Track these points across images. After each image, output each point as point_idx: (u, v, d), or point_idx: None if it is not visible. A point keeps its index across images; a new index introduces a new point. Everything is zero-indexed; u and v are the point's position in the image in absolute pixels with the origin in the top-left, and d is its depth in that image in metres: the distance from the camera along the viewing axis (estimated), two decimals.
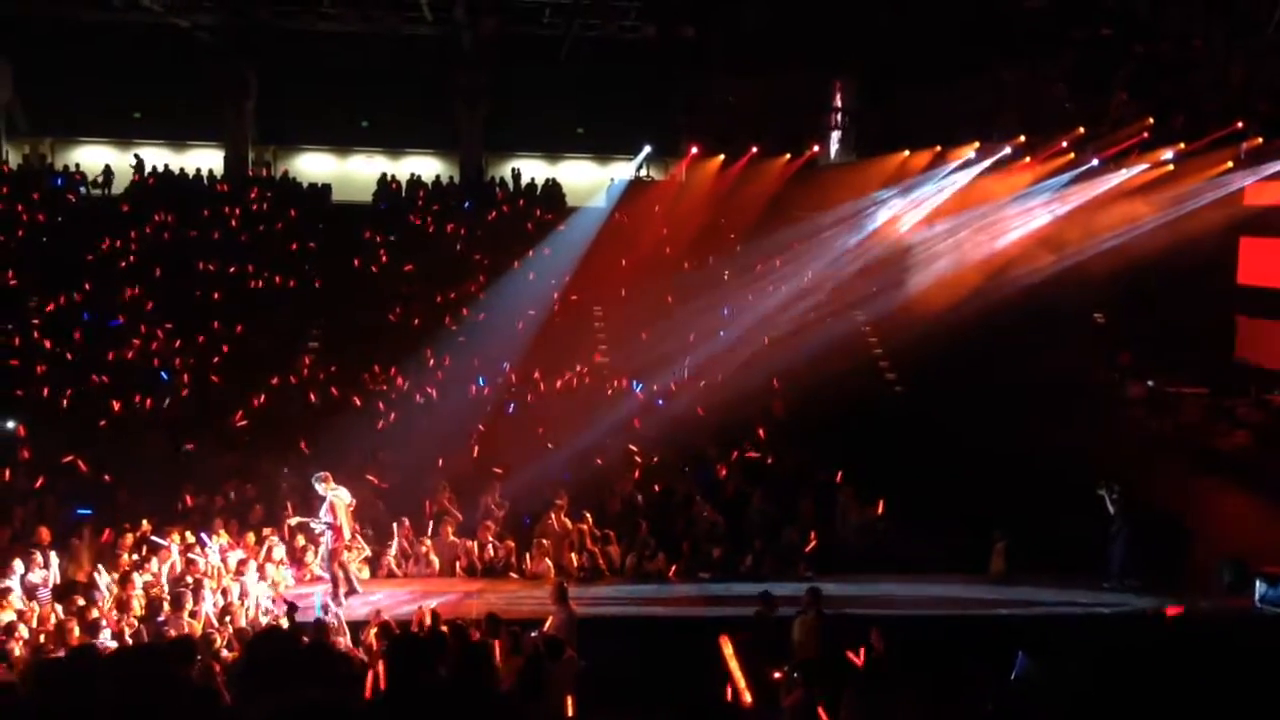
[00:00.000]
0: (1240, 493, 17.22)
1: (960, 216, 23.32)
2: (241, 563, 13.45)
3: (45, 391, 18.60)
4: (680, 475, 17.20)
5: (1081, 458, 16.46)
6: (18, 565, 12.72)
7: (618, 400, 19.53)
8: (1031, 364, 19.95)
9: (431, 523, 15.49)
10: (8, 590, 11.95)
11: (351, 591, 13.58)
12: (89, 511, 14.99)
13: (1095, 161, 22.37)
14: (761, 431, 18.51)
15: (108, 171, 28.21)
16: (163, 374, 19.46)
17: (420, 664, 7.50)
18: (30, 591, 12.42)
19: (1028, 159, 22.96)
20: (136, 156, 28.72)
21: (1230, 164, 21.27)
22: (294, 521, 14.46)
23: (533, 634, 10.60)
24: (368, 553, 14.78)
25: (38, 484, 15.80)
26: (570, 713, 7.54)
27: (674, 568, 15.16)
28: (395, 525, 15.26)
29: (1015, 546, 15.21)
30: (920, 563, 15.43)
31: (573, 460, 17.28)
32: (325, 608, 12.71)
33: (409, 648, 7.96)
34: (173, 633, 11.01)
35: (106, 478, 16.12)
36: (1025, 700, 9.54)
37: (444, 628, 10.49)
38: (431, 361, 19.95)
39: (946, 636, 12.81)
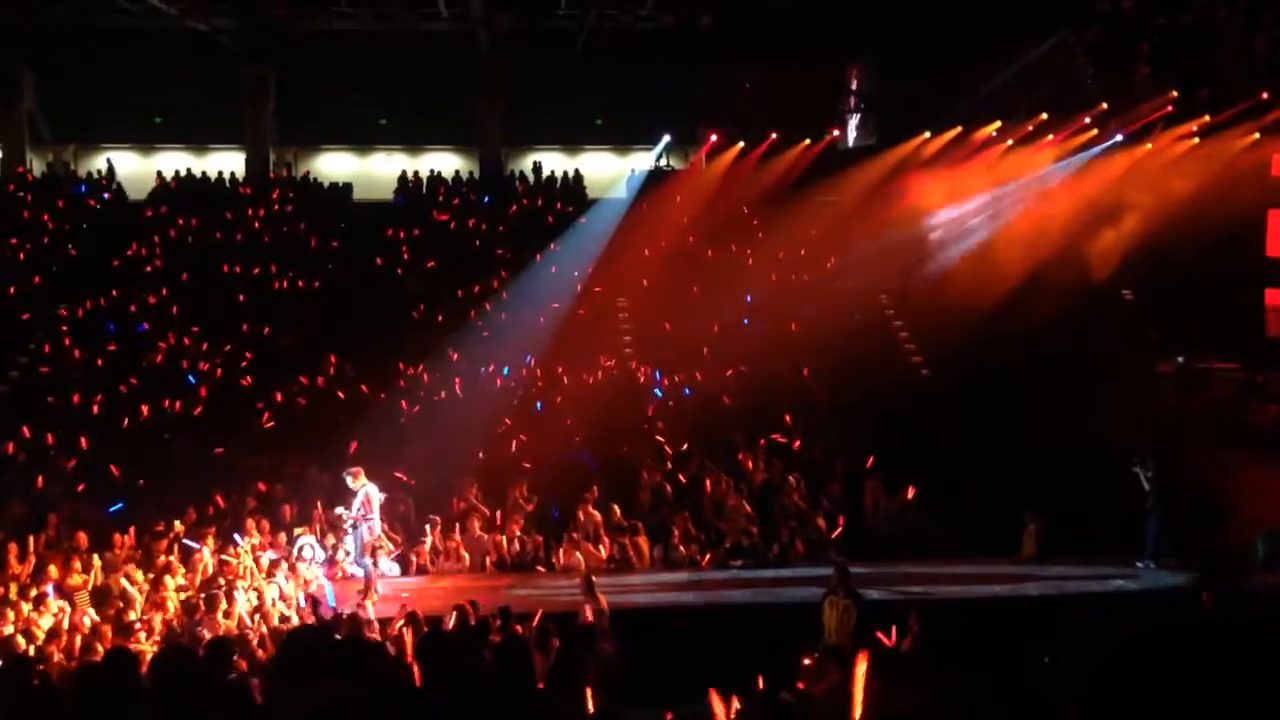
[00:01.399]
0: (1274, 467, 17.02)
1: (986, 195, 23.14)
2: (274, 563, 13.56)
3: (75, 398, 18.77)
4: (708, 463, 17.18)
5: (1112, 436, 16.32)
6: (53, 570, 12.88)
7: (644, 390, 19.53)
8: (1060, 343, 19.79)
9: (459, 519, 15.55)
10: (44, 595, 12.09)
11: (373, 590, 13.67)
12: (121, 506, 15.18)
13: (1119, 137, 22.15)
14: (789, 418, 18.46)
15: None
16: (190, 377, 19.61)
17: (452, 658, 7.50)
18: (69, 596, 12.56)
19: (1050, 136, 22.76)
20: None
21: (1257, 135, 21.01)
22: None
23: (554, 641, 10.50)
24: (393, 549, 14.82)
25: (76, 489, 15.99)
26: (590, 706, 7.50)
27: (707, 557, 15.16)
28: (427, 523, 15.34)
29: (1047, 528, 15.12)
30: (951, 547, 15.37)
31: (600, 452, 17.31)
32: (359, 604, 12.81)
33: (440, 642, 7.98)
34: (207, 634, 11.09)
35: (140, 482, 16.29)
36: (1054, 679, 9.46)
37: (473, 622, 10.53)
38: (456, 357, 19.99)
39: (979, 619, 12.74)
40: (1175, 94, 21.52)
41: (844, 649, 10.75)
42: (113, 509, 15.27)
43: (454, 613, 11.35)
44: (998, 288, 20.22)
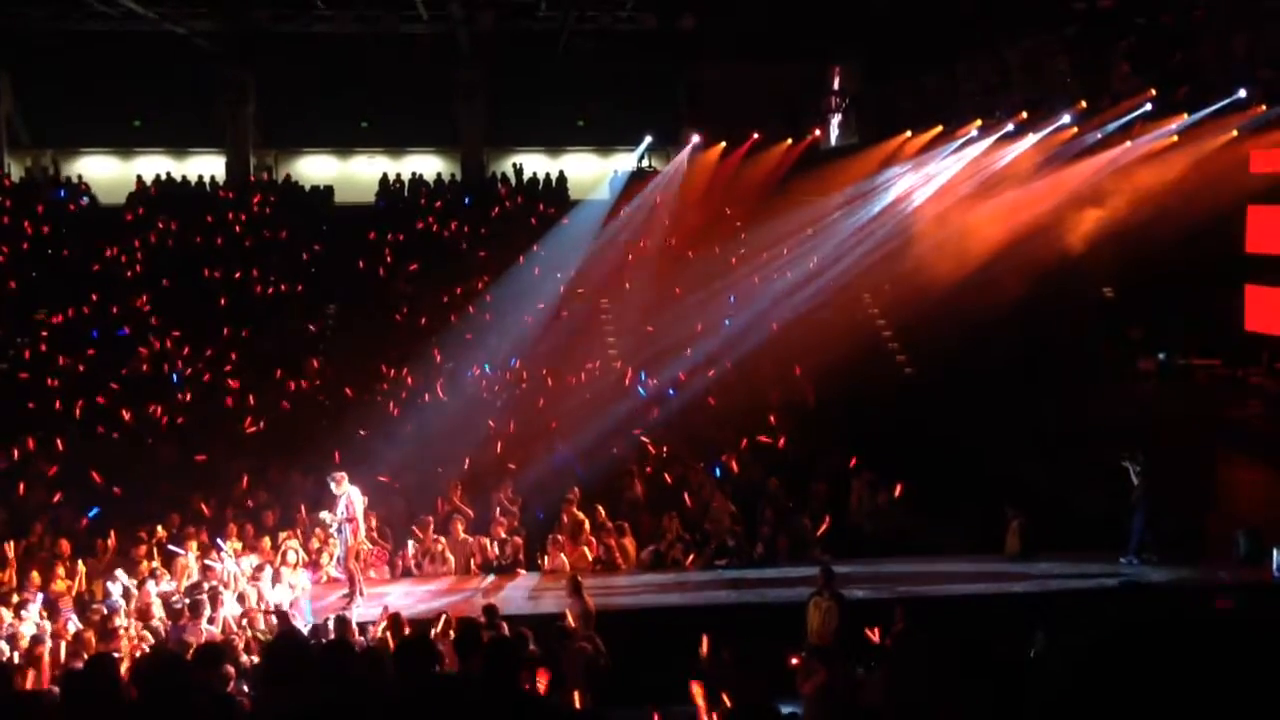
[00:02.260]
0: (1255, 463, 17.15)
1: (966, 194, 23.22)
2: (257, 567, 13.50)
3: (57, 404, 18.65)
4: (694, 464, 17.18)
5: (1094, 434, 16.41)
6: (36, 577, 12.81)
7: (628, 392, 19.53)
8: (1041, 341, 19.88)
9: (442, 521, 15.51)
10: (26, 602, 12.02)
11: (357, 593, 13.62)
12: (97, 511, 15.12)
13: (1098, 135, 22.25)
14: (773, 418, 18.49)
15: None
16: (173, 375, 19.55)
17: (435, 661, 7.48)
18: (52, 603, 12.48)
19: (1030, 135, 22.85)
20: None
21: (1235, 132, 21.12)
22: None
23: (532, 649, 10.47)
24: (372, 548, 14.73)
25: (54, 498, 15.86)
26: (579, 704, 7.52)
27: (691, 557, 15.15)
28: (415, 524, 15.30)
29: (1030, 524, 15.18)
30: (935, 544, 15.43)
31: (585, 453, 17.30)
32: (343, 607, 12.79)
33: (422, 645, 7.95)
34: (193, 640, 11.04)
35: (121, 489, 16.18)
36: (1037, 675, 9.50)
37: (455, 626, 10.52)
38: (439, 360, 19.96)
39: (964, 615, 12.80)
40: (1154, 92, 21.63)
41: (827, 649, 10.81)
42: (91, 513, 15.19)
43: (438, 618, 11.33)
44: (980, 285, 20.28)
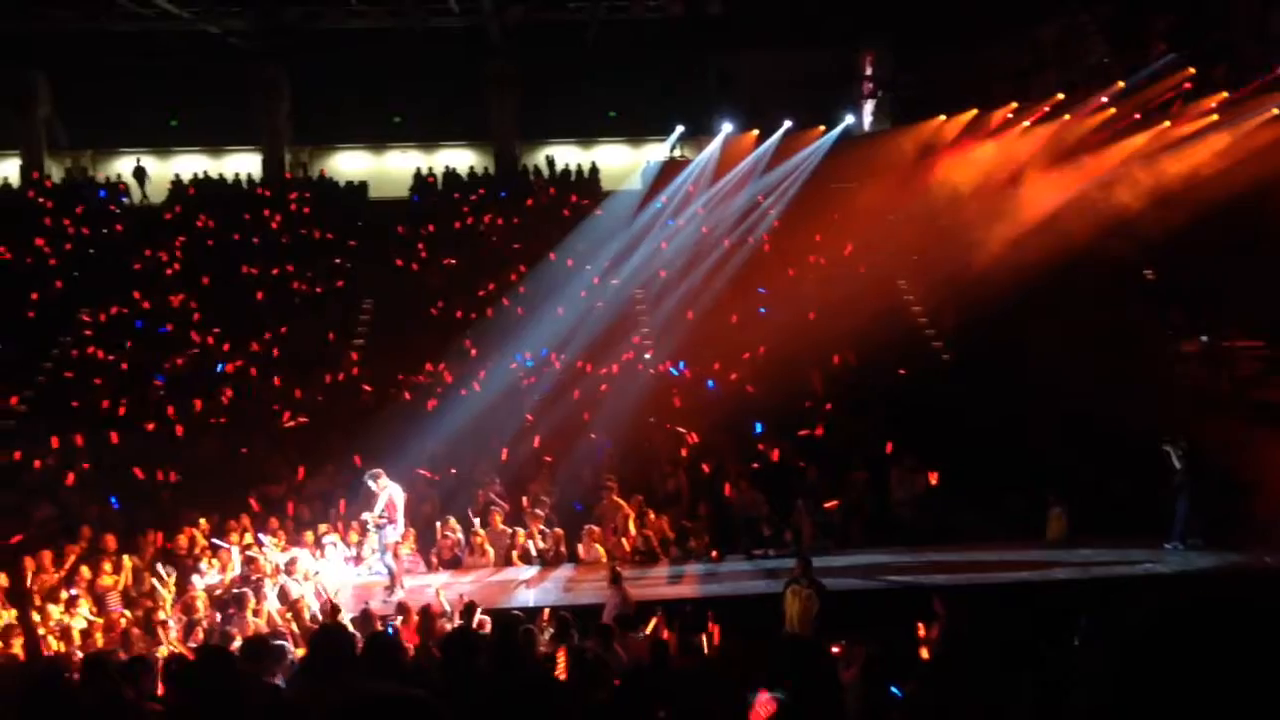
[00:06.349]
0: None
1: (1004, 177, 23.00)
2: (291, 561, 13.62)
3: (102, 402, 18.91)
4: (730, 454, 17.16)
5: (1136, 417, 16.22)
6: (85, 571, 13.01)
7: (663, 382, 19.52)
8: (1082, 324, 19.65)
9: (481, 514, 15.59)
10: (75, 598, 12.21)
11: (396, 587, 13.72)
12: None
13: (1137, 116, 21.99)
14: (809, 405, 18.43)
15: (140, 172, 28.55)
16: (214, 371, 19.77)
17: (475, 654, 7.54)
18: (100, 597, 12.68)
19: (1067, 116, 22.61)
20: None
21: (1275, 110, 20.81)
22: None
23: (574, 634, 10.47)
24: (408, 551, 14.83)
25: (100, 494, 16.10)
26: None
27: (727, 548, 15.13)
28: (453, 517, 15.39)
29: (1072, 510, 15.05)
30: (975, 531, 15.32)
31: (621, 444, 17.31)
32: (384, 600, 12.89)
33: (462, 638, 8.01)
34: (238, 633, 11.16)
35: (166, 482, 16.41)
36: (1083, 664, 9.42)
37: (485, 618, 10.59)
38: (475, 353, 20.04)
39: (1005, 603, 12.70)
40: (1192, 71, 21.35)
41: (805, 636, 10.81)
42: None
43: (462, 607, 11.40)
44: (1017, 268, 20.10)
